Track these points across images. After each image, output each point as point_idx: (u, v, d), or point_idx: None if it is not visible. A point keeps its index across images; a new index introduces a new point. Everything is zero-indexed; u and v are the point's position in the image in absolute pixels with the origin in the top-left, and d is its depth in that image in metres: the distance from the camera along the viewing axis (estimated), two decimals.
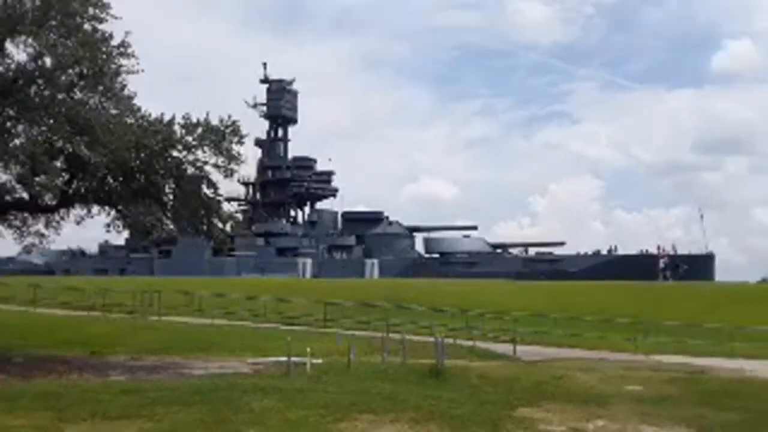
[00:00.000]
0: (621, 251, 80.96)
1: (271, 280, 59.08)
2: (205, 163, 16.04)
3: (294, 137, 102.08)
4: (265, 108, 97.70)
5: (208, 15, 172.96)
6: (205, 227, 17.03)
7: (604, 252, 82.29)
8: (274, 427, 8.55)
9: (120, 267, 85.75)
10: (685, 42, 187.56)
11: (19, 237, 18.57)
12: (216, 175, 16.34)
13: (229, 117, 15.97)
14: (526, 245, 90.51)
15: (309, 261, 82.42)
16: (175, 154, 15.80)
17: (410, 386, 12.80)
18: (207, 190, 16.61)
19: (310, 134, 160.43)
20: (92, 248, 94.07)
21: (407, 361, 15.76)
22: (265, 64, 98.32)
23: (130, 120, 15.16)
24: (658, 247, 75.03)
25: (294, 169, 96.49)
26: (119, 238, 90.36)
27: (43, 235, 18.61)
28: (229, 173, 16.23)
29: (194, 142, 15.68)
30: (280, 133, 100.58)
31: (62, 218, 17.48)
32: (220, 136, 15.72)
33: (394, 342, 18.08)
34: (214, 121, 15.89)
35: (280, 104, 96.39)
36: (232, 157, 15.98)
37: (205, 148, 15.83)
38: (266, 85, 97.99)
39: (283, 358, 14.52)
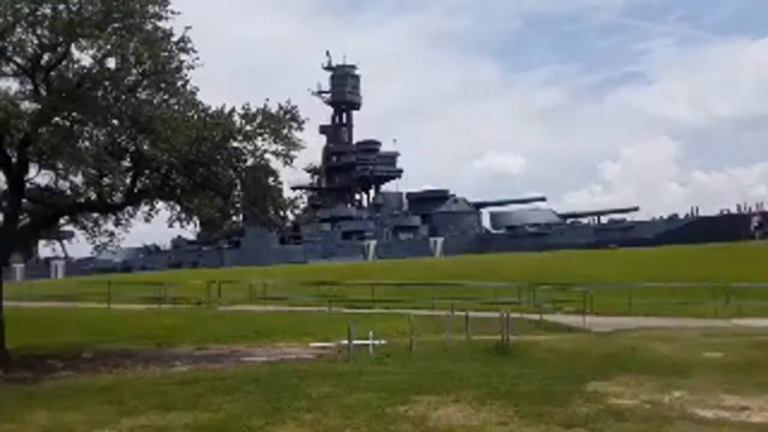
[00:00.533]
0: (702, 213, 77.01)
1: (337, 264, 59.44)
2: (265, 151, 15.94)
3: (358, 121, 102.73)
4: (329, 95, 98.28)
5: (272, 8, 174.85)
6: (265, 216, 16.98)
7: (682, 216, 78.67)
8: (331, 413, 8.32)
9: (192, 260, 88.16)
10: None
11: (90, 237, 19.10)
12: (276, 163, 16.29)
13: (288, 102, 15.78)
14: (597, 213, 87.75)
15: (374, 243, 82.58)
16: (235, 144, 15.75)
17: (474, 364, 12.39)
18: (267, 178, 16.55)
19: (375, 117, 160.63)
20: (166, 244, 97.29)
21: (472, 339, 15.33)
22: (328, 52, 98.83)
23: (191, 114, 15.19)
24: (753, 206, 70.78)
25: (359, 153, 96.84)
26: (191, 233, 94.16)
27: (113, 234, 19.09)
28: (289, 160, 16.07)
29: (252, 131, 15.58)
30: (345, 118, 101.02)
31: (131, 216, 17.82)
32: (278, 123, 15.56)
33: (459, 320, 17.63)
34: (273, 109, 15.76)
35: (343, 90, 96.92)
36: (292, 144, 15.80)
37: (265, 136, 15.72)
38: (330, 72, 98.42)
39: (347, 342, 14.34)
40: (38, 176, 16.07)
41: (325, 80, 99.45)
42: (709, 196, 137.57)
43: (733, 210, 73.42)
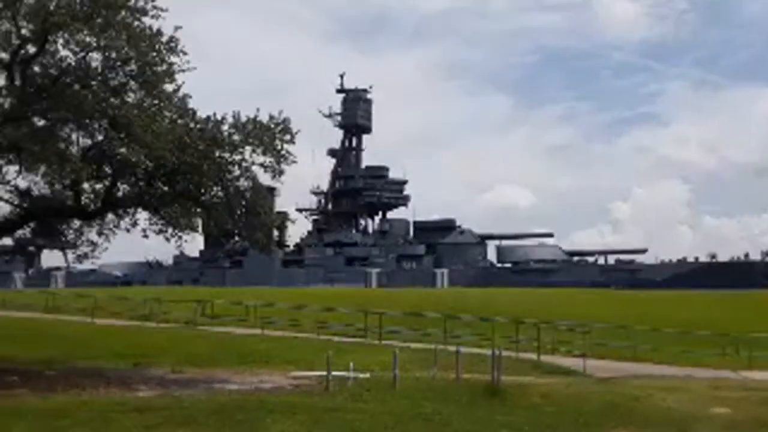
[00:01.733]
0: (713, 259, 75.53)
1: (336, 290, 58.35)
2: (252, 163, 15.14)
3: (368, 147, 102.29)
4: (339, 117, 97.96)
5: (290, 29, 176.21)
6: (249, 233, 16.14)
7: (691, 259, 77.31)
8: None
9: (193, 278, 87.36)
10: None
11: (62, 245, 18.33)
12: (264, 177, 15.48)
13: (280, 114, 15.01)
14: (605, 253, 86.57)
15: (378, 271, 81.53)
16: (221, 154, 14.95)
17: (459, 407, 11.35)
18: (255, 193, 15.73)
19: (386, 144, 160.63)
20: (169, 260, 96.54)
21: (461, 377, 14.27)
22: (342, 75, 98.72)
23: (169, 116, 14.40)
24: None
25: (367, 179, 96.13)
26: (194, 249, 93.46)
27: (95, 243, 18.33)
28: (277, 174, 15.28)
29: (240, 141, 14.78)
30: (354, 142, 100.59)
31: (115, 226, 17.03)
32: (269, 135, 14.76)
33: (451, 355, 16.58)
34: (265, 120, 14.97)
35: (354, 113, 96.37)
36: (281, 157, 14.98)
37: (253, 147, 14.91)
38: (342, 95, 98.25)
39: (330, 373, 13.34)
40: (17, 179, 15.45)
41: (337, 103, 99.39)
42: (720, 241, 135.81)
43: (743, 256, 72.12)
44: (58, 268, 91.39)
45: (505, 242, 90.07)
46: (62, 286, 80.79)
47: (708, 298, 43.33)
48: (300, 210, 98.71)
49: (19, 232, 17.78)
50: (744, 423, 10.77)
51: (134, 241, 17.21)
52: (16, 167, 14.87)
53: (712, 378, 17.47)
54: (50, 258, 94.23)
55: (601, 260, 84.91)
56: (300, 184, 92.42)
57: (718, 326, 27.20)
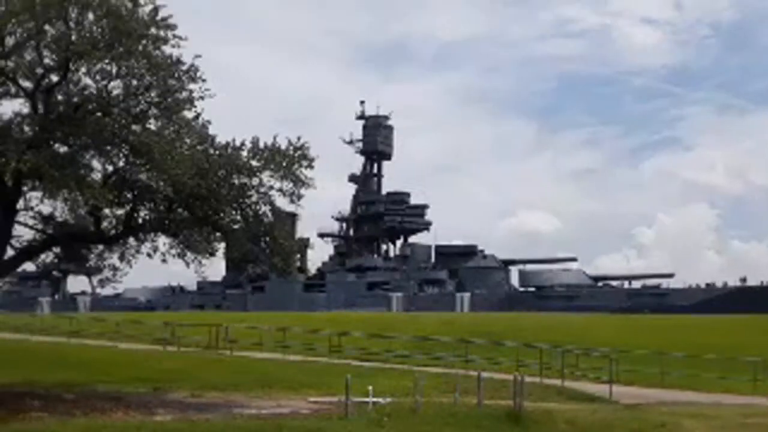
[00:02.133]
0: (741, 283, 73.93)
1: (357, 314, 58.06)
2: (271, 188, 15.17)
3: (390, 174, 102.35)
4: (360, 144, 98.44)
5: (312, 58, 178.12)
6: (266, 258, 16.10)
7: (719, 284, 75.78)
8: None
9: (216, 303, 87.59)
10: None
11: (87, 271, 18.51)
12: (283, 202, 15.50)
13: (299, 139, 15.05)
14: (630, 278, 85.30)
15: (399, 295, 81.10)
16: (240, 179, 15.01)
17: None
18: (270, 217, 15.73)
19: (407, 170, 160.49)
20: (192, 285, 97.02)
21: (484, 403, 13.99)
22: (362, 102, 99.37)
23: (190, 143, 14.52)
24: None
25: (388, 204, 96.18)
26: (217, 275, 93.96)
27: (116, 268, 18.45)
28: (296, 198, 15.30)
29: (259, 166, 14.83)
30: (375, 168, 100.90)
31: (136, 251, 17.13)
32: (287, 160, 14.80)
33: (473, 380, 16.28)
34: (283, 145, 15.04)
35: (375, 140, 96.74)
36: (300, 182, 15.00)
37: (271, 172, 14.96)
38: (363, 122, 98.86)
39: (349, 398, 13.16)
40: (41, 204, 15.63)
41: (358, 130, 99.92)
42: (746, 266, 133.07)
43: None
44: (83, 293, 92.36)
45: (528, 267, 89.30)
46: (88, 311, 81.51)
47: (739, 323, 42.25)
48: (322, 235, 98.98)
49: (44, 258, 17.97)
50: None
51: (158, 267, 17.28)
52: (39, 193, 15.08)
53: (742, 404, 16.95)
54: (76, 283, 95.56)
55: (626, 284, 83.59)
56: (322, 210, 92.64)
57: (749, 351, 26.41)
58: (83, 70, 13.07)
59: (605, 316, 52.57)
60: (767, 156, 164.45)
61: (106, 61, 12.66)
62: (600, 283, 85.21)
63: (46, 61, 13.05)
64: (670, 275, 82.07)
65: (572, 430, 11.95)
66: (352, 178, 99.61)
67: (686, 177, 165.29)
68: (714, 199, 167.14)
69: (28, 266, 19.58)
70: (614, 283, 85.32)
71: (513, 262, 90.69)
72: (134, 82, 13.23)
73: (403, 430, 11.05)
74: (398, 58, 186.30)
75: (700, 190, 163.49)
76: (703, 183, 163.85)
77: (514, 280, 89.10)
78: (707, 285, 76.53)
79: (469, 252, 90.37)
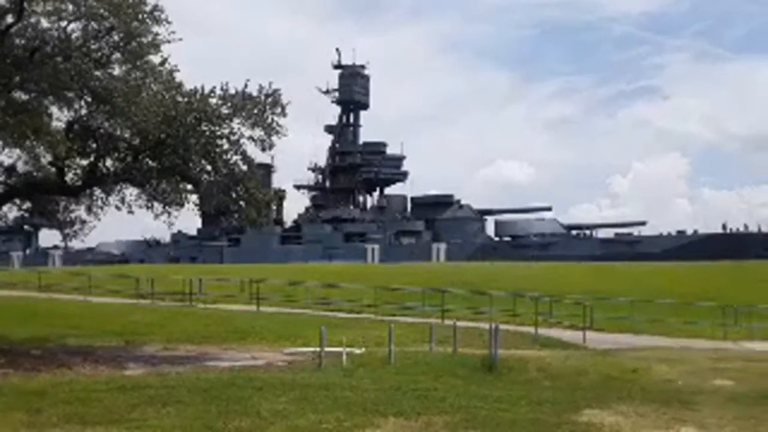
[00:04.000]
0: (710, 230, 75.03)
1: (334, 266, 58.14)
2: (242, 136, 14.69)
3: (367, 123, 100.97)
4: (336, 93, 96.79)
5: (290, 9, 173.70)
6: (237, 208, 15.73)
7: (690, 232, 77.00)
8: None
9: (191, 255, 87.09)
10: None
11: (55, 224, 18.07)
12: (254, 150, 15.05)
13: (270, 85, 14.52)
14: (604, 226, 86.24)
15: (376, 246, 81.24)
16: (209, 127, 14.48)
17: (456, 381, 11.10)
18: (242, 166, 15.29)
19: (384, 120, 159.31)
20: (167, 238, 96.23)
21: (458, 352, 14.01)
22: (338, 50, 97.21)
23: (155, 88, 13.93)
24: None
25: (364, 155, 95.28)
26: (191, 227, 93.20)
27: (83, 221, 18.02)
28: (267, 146, 14.87)
29: (229, 113, 14.31)
30: (352, 118, 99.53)
31: (104, 203, 16.65)
32: (258, 107, 14.30)
33: (449, 329, 16.31)
34: (254, 92, 14.49)
35: (352, 89, 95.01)
36: (272, 129, 14.54)
37: (242, 120, 14.45)
38: (339, 71, 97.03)
39: (326, 349, 13.06)
40: (2, 155, 15.05)
41: (334, 80, 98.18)
42: (718, 214, 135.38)
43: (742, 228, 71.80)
44: (55, 247, 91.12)
45: (503, 217, 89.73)
46: (60, 265, 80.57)
47: (708, 270, 43.09)
48: (298, 187, 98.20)
49: (6, 210, 17.43)
50: (747, 395, 10.50)
51: (132, 220, 16.82)
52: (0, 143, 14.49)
53: (712, 349, 17.25)
54: (49, 237, 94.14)
55: (600, 233, 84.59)
56: (299, 162, 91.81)
57: (717, 298, 26.94)
58: (40, 10, 12.34)
59: (578, 264, 53.22)
60: (742, 105, 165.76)
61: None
62: (574, 232, 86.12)
63: (1, 2, 12.30)
64: (643, 223, 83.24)
65: (545, 377, 12.00)
66: (329, 129, 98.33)
67: (662, 126, 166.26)
68: (687, 148, 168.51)
69: None
70: (588, 232, 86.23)
71: (489, 213, 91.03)
72: (94, 25, 12.54)
73: (377, 379, 10.98)
74: (375, 6, 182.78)
75: (674, 138, 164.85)
76: (678, 132, 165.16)
77: (490, 230, 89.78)
78: (678, 232, 77.73)
79: (445, 202, 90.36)
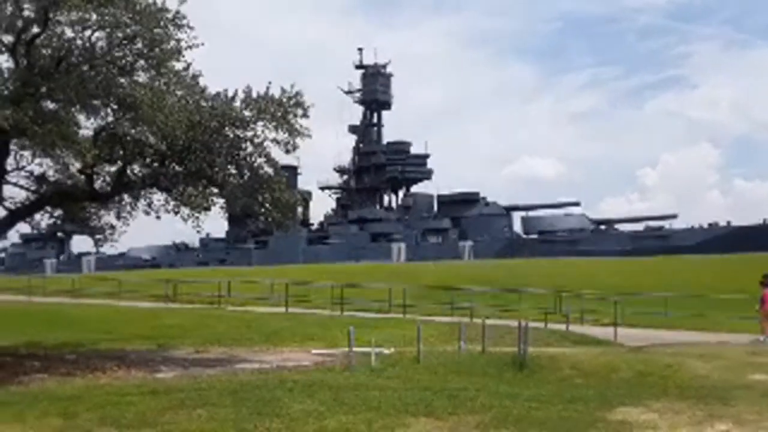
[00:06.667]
0: (745, 222, 73.33)
1: (363, 265, 58.22)
2: (265, 138, 14.77)
3: (390, 122, 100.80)
4: (359, 93, 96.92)
5: (308, 8, 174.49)
6: (262, 211, 15.79)
7: (723, 224, 75.41)
8: None
9: (220, 258, 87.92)
10: None
11: (87, 231, 18.34)
12: (278, 152, 15.11)
13: (292, 87, 14.58)
14: (633, 220, 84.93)
15: (402, 245, 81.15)
16: (233, 131, 14.59)
17: (486, 380, 11.02)
18: (267, 169, 15.37)
19: (408, 118, 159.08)
20: (196, 242, 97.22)
21: (488, 350, 13.91)
22: (360, 50, 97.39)
23: (179, 93, 14.06)
24: None
25: (389, 154, 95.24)
26: (220, 231, 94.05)
27: (113, 227, 18.25)
28: (291, 149, 14.92)
29: (252, 116, 14.40)
30: (375, 118, 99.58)
31: (132, 208, 16.87)
32: (281, 109, 14.37)
33: (478, 328, 16.21)
34: (276, 94, 14.55)
35: (374, 88, 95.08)
36: (295, 132, 14.59)
37: (265, 123, 14.53)
38: (361, 71, 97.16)
39: (355, 349, 13.06)
40: (32, 164, 15.31)
41: (357, 79, 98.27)
42: (752, 205, 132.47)
43: None
44: (88, 253, 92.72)
45: (530, 213, 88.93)
46: (92, 271, 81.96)
47: (741, 262, 42.23)
48: (323, 188, 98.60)
49: (39, 218, 17.73)
50: None
51: (163, 225, 17.04)
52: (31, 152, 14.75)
53: (747, 343, 16.90)
54: (81, 243, 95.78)
55: (630, 227, 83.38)
56: (324, 163, 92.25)
57: (752, 290, 26.36)
58: (64, 19, 12.52)
59: (608, 260, 52.56)
60: None
61: (86, 8, 12.10)
62: (603, 227, 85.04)
63: (26, 13, 12.52)
64: (674, 216, 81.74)
65: (577, 374, 11.86)
66: (352, 129, 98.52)
67: (691, 116, 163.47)
68: (718, 138, 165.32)
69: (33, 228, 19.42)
70: (617, 226, 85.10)
71: (516, 209, 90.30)
72: (118, 33, 12.70)
73: (407, 379, 10.96)
74: (396, 4, 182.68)
75: (704, 129, 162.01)
76: (708, 122, 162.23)
77: (517, 226, 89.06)
78: (710, 225, 76.29)
79: (471, 200, 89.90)
